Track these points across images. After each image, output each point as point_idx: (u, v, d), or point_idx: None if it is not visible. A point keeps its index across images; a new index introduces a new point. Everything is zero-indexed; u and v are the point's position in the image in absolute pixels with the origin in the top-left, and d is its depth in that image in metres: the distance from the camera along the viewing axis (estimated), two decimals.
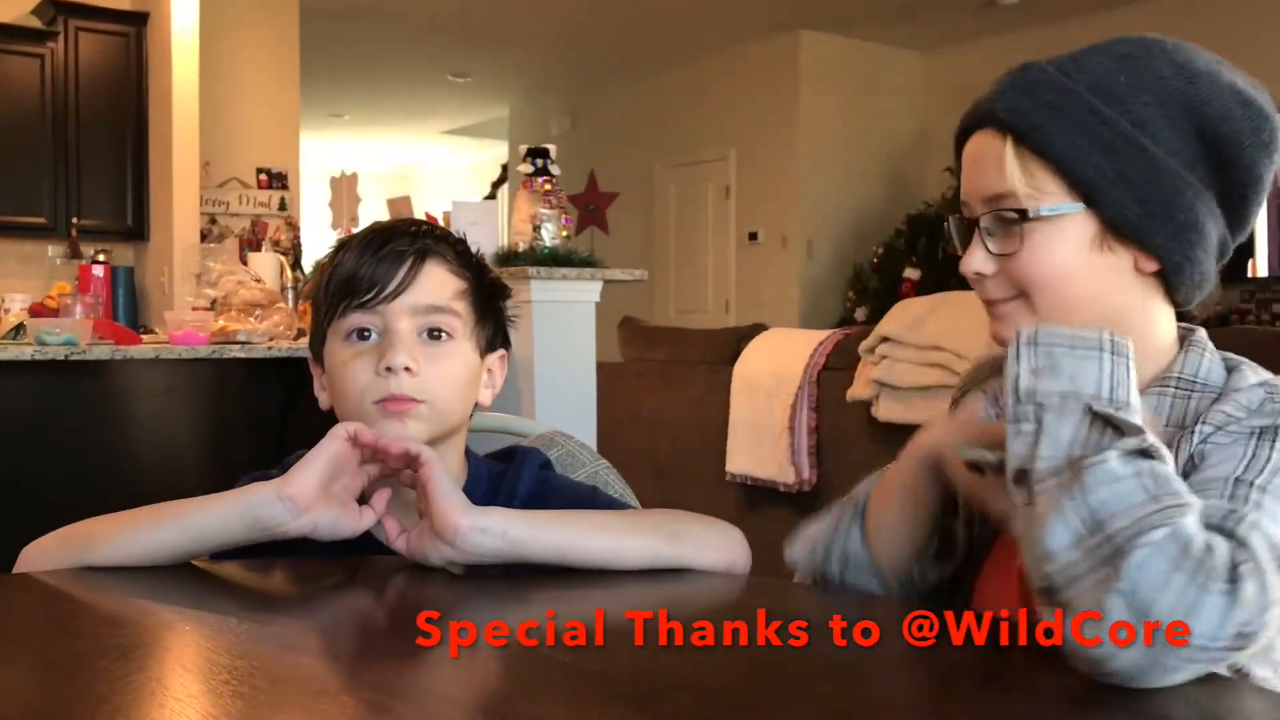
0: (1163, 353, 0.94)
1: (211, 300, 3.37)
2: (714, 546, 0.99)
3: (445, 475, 0.93)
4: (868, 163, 8.03)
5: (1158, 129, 0.89)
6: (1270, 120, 0.93)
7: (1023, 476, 0.76)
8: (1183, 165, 0.90)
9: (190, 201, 5.50)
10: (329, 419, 1.05)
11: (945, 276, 6.61)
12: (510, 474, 1.11)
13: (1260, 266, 6.37)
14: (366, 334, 1.04)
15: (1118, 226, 0.90)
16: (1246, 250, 6.37)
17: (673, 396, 4.61)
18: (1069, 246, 0.91)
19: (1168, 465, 0.75)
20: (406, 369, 1.01)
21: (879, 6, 7.15)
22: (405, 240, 1.05)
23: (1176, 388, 0.92)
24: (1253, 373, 0.92)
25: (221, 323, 3.10)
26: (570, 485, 1.14)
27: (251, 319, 3.13)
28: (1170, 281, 0.92)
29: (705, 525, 1.00)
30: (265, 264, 3.87)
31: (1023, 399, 0.78)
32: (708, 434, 4.37)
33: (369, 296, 1.03)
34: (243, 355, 3.03)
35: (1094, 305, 0.91)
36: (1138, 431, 0.74)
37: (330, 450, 0.95)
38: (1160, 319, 0.94)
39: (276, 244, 5.00)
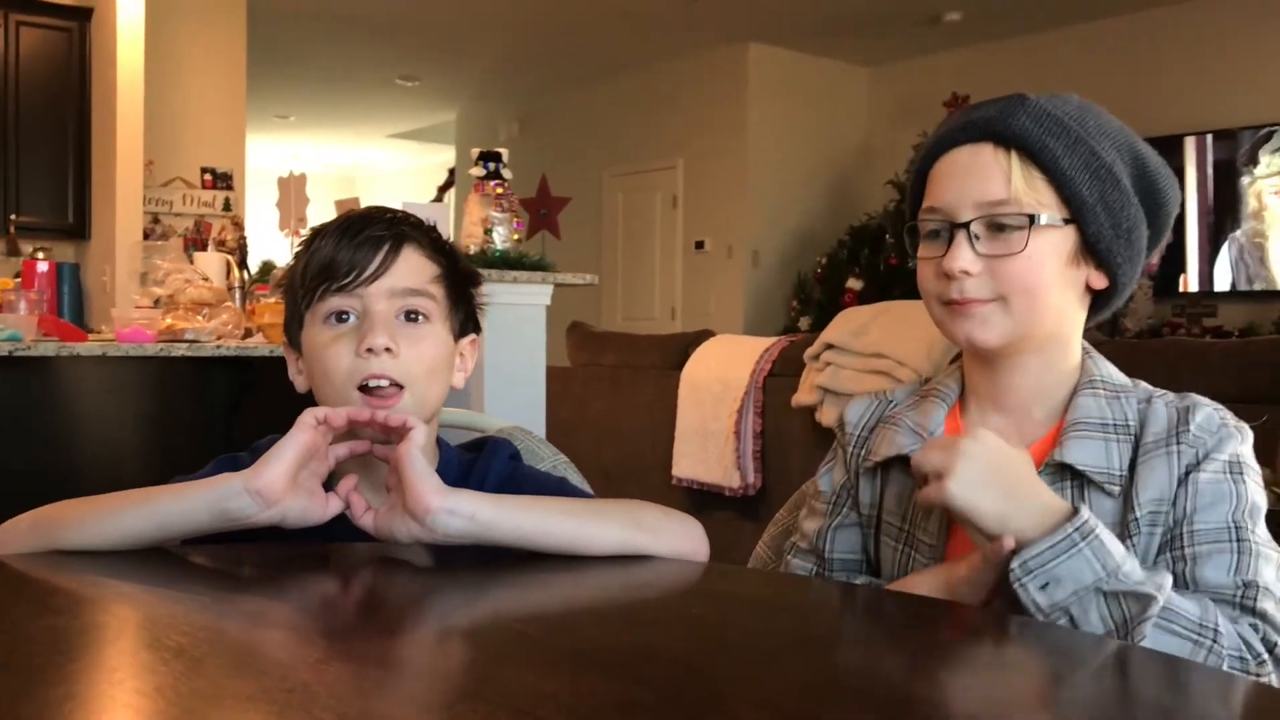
0: (1078, 361, 1.06)
1: (156, 299, 3.34)
2: (676, 535, 1.02)
3: (420, 454, 0.95)
4: (813, 175, 8.13)
5: (1121, 169, 1.01)
6: (1177, 182, 1.07)
7: None
8: (1137, 201, 1.03)
9: (133, 200, 5.44)
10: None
11: (887, 286, 6.71)
12: (481, 463, 1.13)
13: (1191, 282, 6.55)
14: (345, 316, 1.07)
15: (1094, 243, 1.01)
16: (1178, 266, 6.55)
17: (620, 401, 4.65)
18: (1054, 256, 1.01)
19: (1173, 594, 0.92)
20: (387, 350, 1.04)
21: (826, 22, 7.25)
22: (382, 226, 1.09)
23: (1105, 390, 1.03)
24: (1206, 409, 1.02)
25: (169, 321, 3.07)
26: (540, 475, 1.17)
27: (199, 318, 3.11)
28: (1110, 299, 1.06)
29: (666, 515, 1.04)
30: (211, 263, 3.84)
31: (1049, 613, 0.90)
32: (655, 438, 4.41)
33: (348, 280, 1.06)
34: (190, 354, 3.01)
35: (1056, 317, 1.02)
36: (1146, 589, 0.89)
37: (300, 441, 0.96)
38: (1080, 332, 1.06)
39: (222, 244, 4.95)
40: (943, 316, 1.04)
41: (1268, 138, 6.21)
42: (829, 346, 3.78)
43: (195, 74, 6.37)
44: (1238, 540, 0.95)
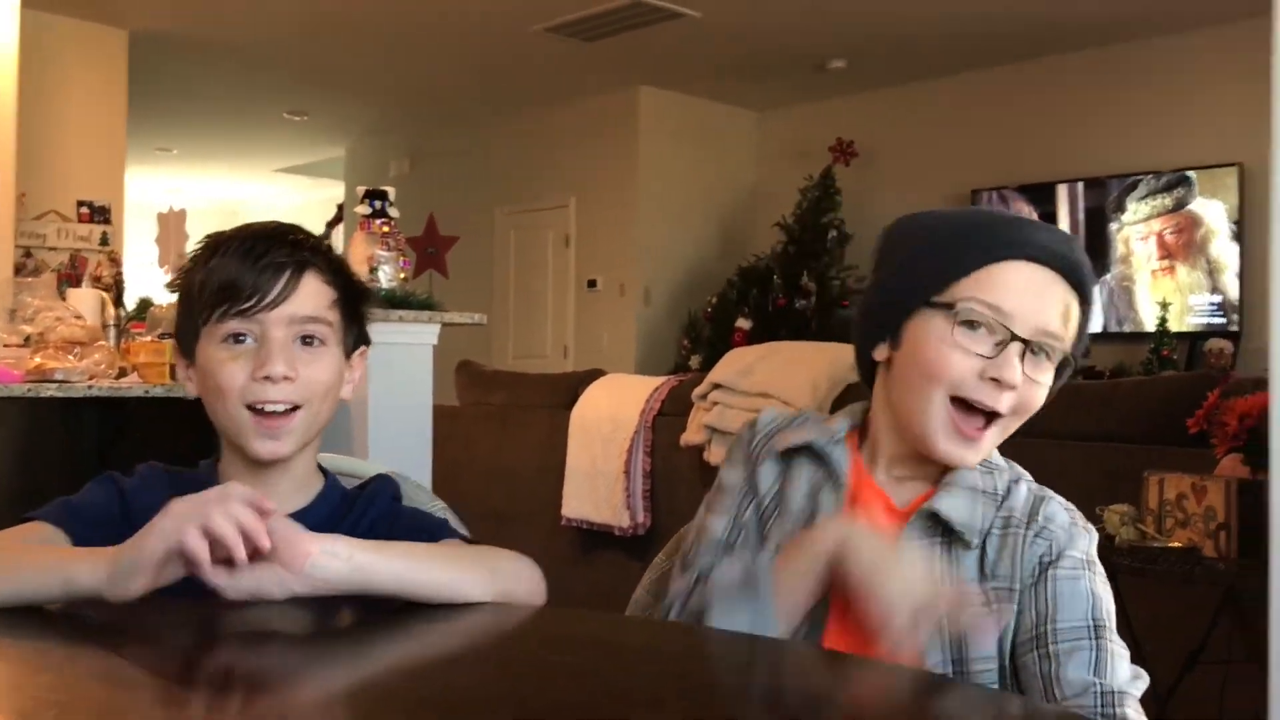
0: None
1: (25, 337, 3.21)
2: (526, 578, 1.03)
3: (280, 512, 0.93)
4: (703, 215, 8.24)
5: None
6: None
7: None
8: None
9: (3, 234, 5.23)
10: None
11: (775, 326, 6.83)
12: (365, 495, 1.15)
13: None
14: (243, 338, 1.08)
15: (1060, 384, 1.10)
16: None
17: (510, 441, 4.62)
18: (1050, 389, 1.08)
19: None
20: (286, 377, 1.06)
21: (715, 67, 7.38)
22: (285, 251, 1.10)
23: (982, 465, 1.10)
24: (1057, 504, 1.09)
25: (38, 360, 2.96)
26: (421, 515, 1.17)
27: (71, 357, 3.00)
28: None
29: (512, 558, 1.05)
30: (85, 300, 3.71)
31: None
32: (544, 478, 4.39)
33: (249, 305, 1.07)
34: (60, 394, 2.90)
35: None
36: None
37: (171, 547, 0.88)
38: None
39: (98, 280, 4.80)
40: (945, 419, 1.05)
41: (1134, 186, 6.51)
42: (716, 386, 3.82)
43: (72, 103, 6.19)
44: (1096, 639, 1.01)
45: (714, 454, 3.76)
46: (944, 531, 1.05)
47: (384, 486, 1.17)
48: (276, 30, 6.73)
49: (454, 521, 1.21)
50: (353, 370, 1.18)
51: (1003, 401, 1.04)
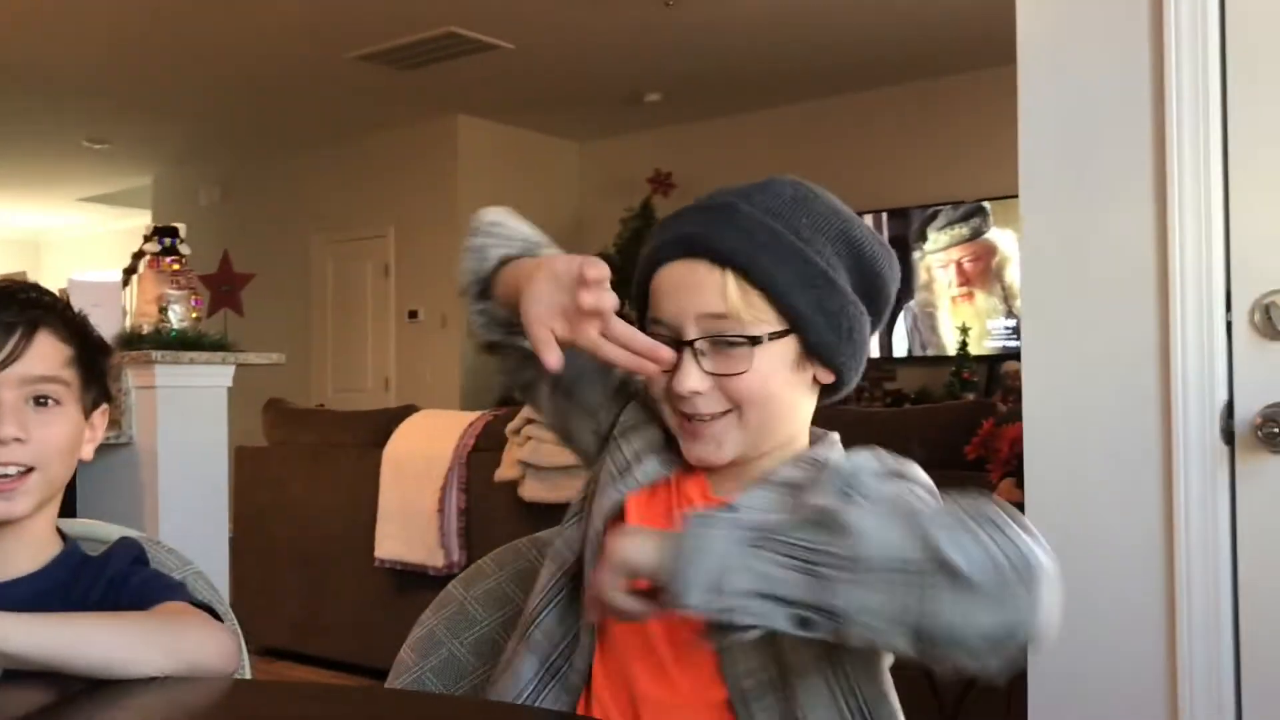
0: (804, 443, 1.08)
1: None
2: (214, 647, 1.00)
3: None
4: None
5: (837, 266, 1.03)
6: (894, 256, 1.10)
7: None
8: (856, 296, 1.04)
9: None
10: None
11: None
12: (101, 561, 1.11)
13: (873, 348, 7.06)
14: None
15: (816, 350, 1.03)
16: None
17: (321, 481, 4.49)
18: (780, 366, 1.02)
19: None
20: (17, 439, 1.03)
21: (533, 97, 7.40)
22: (14, 310, 1.06)
23: (811, 464, 1.04)
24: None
25: None
26: (150, 579, 1.12)
27: None
28: (837, 390, 1.08)
29: (200, 627, 1.02)
30: None
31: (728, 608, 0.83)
32: (357, 519, 4.28)
33: None
34: None
35: (788, 416, 1.05)
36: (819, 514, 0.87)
37: None
38: (808, 418, 1.09)
39: None
40: (676, 429, 1.05)
41: (934, 217, 6.82)
42: (529, 421, 3.80)
43: None
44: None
45: (529, 490, 3.74)
46: None
47: (122, 551, 1.14)
48: (72, 54, 6.42)
49: (197, 587, 1.17)
50: (94, 429, 1.15)
51: (698, 405, 1.01)
